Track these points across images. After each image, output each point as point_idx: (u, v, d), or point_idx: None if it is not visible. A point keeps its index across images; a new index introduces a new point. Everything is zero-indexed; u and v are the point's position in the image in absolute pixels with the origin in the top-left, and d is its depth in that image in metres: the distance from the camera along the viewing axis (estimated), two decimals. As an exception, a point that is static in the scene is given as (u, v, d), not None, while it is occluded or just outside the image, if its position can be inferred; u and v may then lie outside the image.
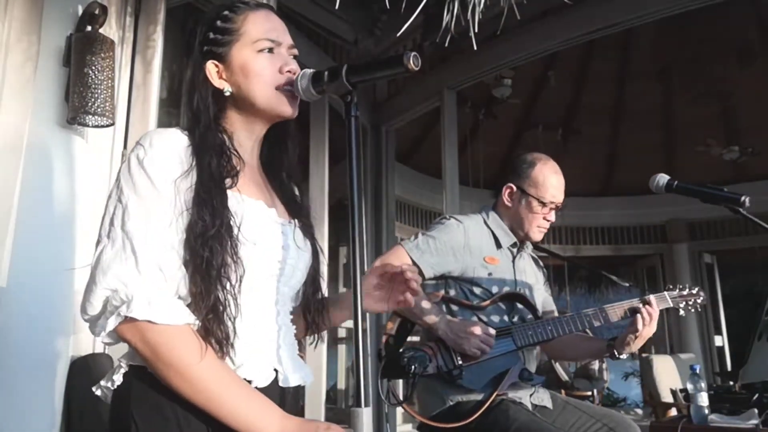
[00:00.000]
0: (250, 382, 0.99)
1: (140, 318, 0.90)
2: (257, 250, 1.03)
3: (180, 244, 0.96)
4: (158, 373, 0.93)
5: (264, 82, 1.08)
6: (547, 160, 2.02)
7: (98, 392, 1.04)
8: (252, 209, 1.05)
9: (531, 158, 2.03)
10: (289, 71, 1.09)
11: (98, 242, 0.97)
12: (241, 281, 0.99)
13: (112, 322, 0.92)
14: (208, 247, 0.95)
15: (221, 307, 0.96)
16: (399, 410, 4.47)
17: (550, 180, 1.97)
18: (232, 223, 0.99)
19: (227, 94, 1.08)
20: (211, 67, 1.09)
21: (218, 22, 1.10)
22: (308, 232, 1.18)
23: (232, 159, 1.05)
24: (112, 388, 1.00)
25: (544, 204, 1.96)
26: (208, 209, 0.97)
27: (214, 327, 0.95)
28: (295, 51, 1.13)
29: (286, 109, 1.10)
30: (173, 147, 1.01)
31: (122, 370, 1.00)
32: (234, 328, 0.97)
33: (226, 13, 1.11)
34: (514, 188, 2.00)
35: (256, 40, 1.09)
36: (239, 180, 1.05)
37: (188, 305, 0.97)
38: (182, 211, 0.97)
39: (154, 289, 0.93)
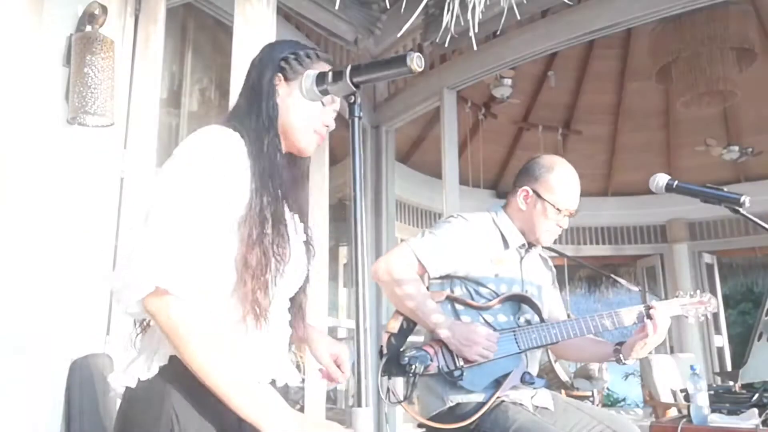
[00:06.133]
0: None
1: (170, 290, 0.94)
2: (290, 264, 1.13)
3: (223, 235, 1.04)
4: (176, 348, 0.96)
5: (308, 125, 1.23)
6: (566, 165, 1.97)
7: (114, 384, 1.06)
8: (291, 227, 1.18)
9: (549, 162, 1.97)
10: (327, 126, 1.25)
11: (145, 219, 1.00)
12: (276, 275, 1.08)
13: (145, 288, 0.95)
14: (269, 240, 1.07)
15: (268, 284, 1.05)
16: (399, 410, 4.46)
17: (568, 186, 1.93)
18: (283, 231, 1.11)
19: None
20: (278, 79, 1.20)
21: (301, 52, 1.23)
22: (308, 246, 1.29)
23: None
24: (136, 381, 1.03)
25: (559, 210, 1.92)
26: (269, 218, 1.08)
27: (259, 297, 1.03)
28: (337, 106, 1.25)
29: (311, 148, 1.26)
30: (231, 147, 1.08)
31: (158, 364, 1.02)
32: (270, 299, 1.06)
33: (307, 52, 1.24)
34: (530, 192, 1.94)
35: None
36: None
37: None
38: (234, 205, 1.05)
39: (187, 270, 0.97)
